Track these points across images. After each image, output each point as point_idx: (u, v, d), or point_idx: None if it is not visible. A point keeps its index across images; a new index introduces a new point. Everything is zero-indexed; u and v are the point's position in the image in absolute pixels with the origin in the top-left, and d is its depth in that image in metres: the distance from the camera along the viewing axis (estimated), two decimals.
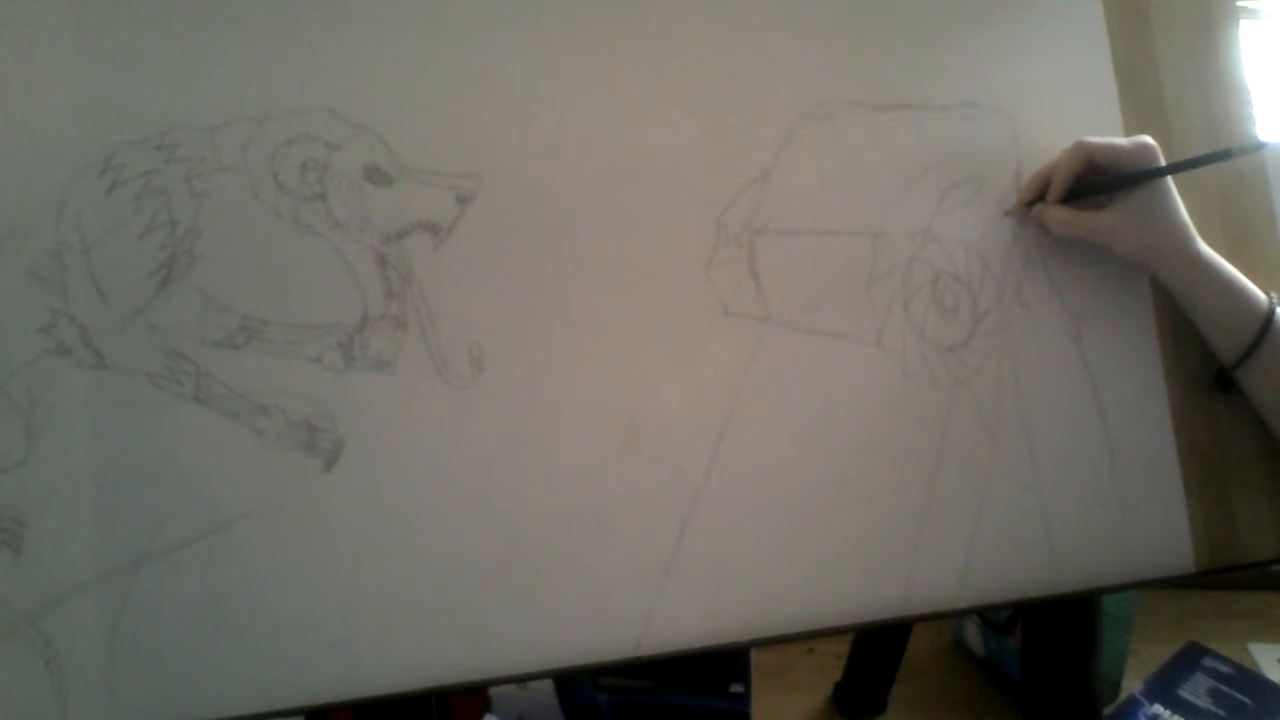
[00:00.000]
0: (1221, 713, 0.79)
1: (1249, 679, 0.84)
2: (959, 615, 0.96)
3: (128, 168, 0.48)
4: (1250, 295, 0.54)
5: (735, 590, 0.52)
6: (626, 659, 0.50)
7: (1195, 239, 0.54)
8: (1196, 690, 0.82)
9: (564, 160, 0.52)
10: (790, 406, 0.53)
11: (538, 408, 0.50)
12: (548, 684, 0.84)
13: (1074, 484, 0.56)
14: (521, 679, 0.51)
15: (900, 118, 0.56)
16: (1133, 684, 0.86)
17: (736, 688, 0.83)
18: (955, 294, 0.56)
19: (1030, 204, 0.57)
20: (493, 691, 0.83)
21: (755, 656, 0.85)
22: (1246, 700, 0.80)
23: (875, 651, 0.90)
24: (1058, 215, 0.55)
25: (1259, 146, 0.55)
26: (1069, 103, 0.59)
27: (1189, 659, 0.86)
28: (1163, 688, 0.83)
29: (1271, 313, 0.54)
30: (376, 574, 0.48)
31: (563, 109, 0.52)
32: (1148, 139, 0.54)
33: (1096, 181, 0.54)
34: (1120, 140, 0.54)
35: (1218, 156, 0.53)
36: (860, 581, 0.53)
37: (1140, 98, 0.60)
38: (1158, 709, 0.80)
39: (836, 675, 0.93)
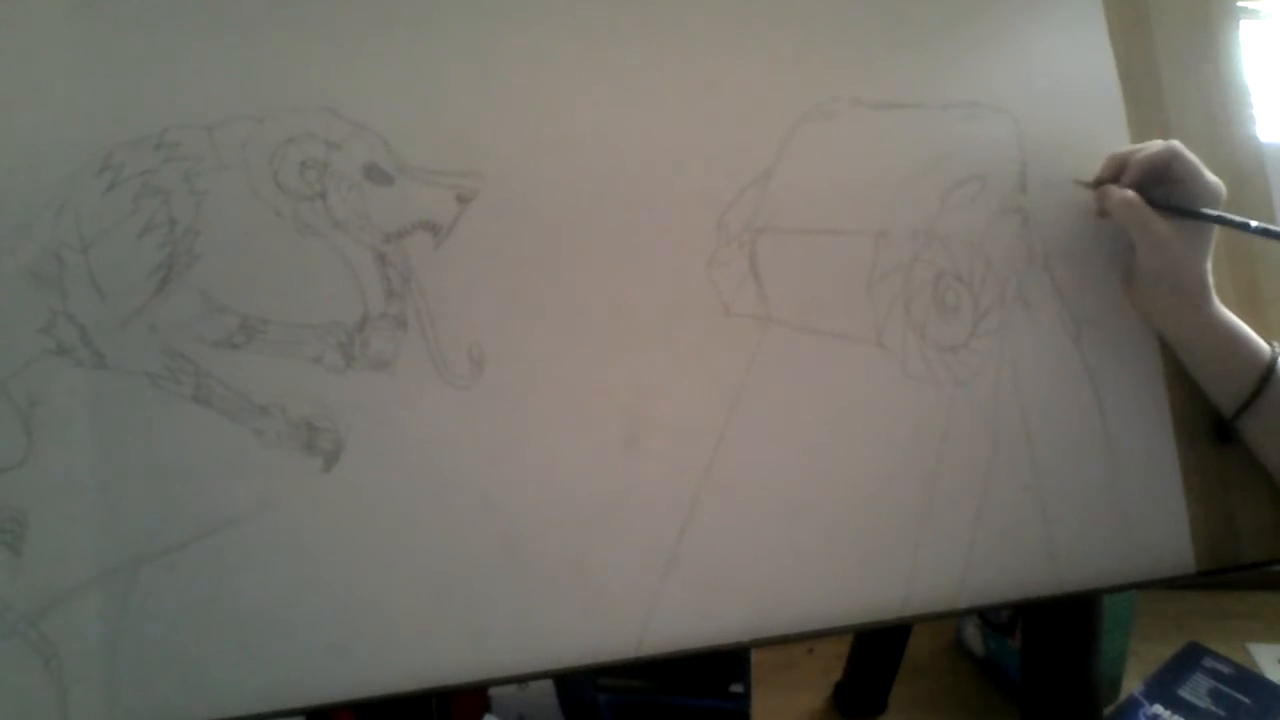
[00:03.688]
0: (1221, 713, 0.79)
1: (1249, 679, 0.84)
2: (959, 615, 0.96)
3: (126, 166, 0.48)
4: (1251, 344, 0.54)
5: (735, 590, 0.52)
6: (626, 659, 0.50)
7: (1213, 294, 0.54)
8: (1196, 690, 0.82)
9: (565, 159, 0.52)
10: (791, 406, 0.53)
11: (538, 407, 0.50)
12: (548, 684, 0.84)
13: (1074, 484, 0.56)
14: (521, 679, 0.51)
15: (902, 117, 0.56)
16: (1133, 684, 0.86)
17: (736, 688, 0.83)
18: (957, 293, 0.56)
19: (1099, 184, 0.56)
20: (493, 691, 0.83)
21: (755, 656, 0.85)
22: (1246, 700, 0.80)
23: (875, 651, 0.90)
24: (1122, 196, 0.54)
25: None
26: (1071, 102, 0.59)
27: (1189, 659, 0.86)
28: (1163, 688, 0.83)
29: (1273, 362, 0.53)
30: (376, 574, 0.48)
31: (563, 108, 0.52)
32: (1223, 186, 0.53)
33: (1157, 193, 0.54)
34: (1205, 168, 0.53)
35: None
36: (860, 582, 0.53)
37: (1141, 97, 0.60)
38: (1158, 709, 0.80)
39: (836, 675, 0.93)
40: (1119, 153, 0.56)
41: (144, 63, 0.48)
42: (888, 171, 0.56)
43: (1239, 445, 0.57)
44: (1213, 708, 0.80)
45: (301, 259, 0.49)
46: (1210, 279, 0.54)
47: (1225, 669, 0.84)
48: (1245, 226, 0.53)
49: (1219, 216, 0.53)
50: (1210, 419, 0.58)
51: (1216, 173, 0.54)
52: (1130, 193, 0.54)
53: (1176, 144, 0.53)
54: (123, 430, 0.46)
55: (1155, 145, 0.54)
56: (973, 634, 0.96)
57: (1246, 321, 0.55)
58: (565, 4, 0.53)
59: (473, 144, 0.51)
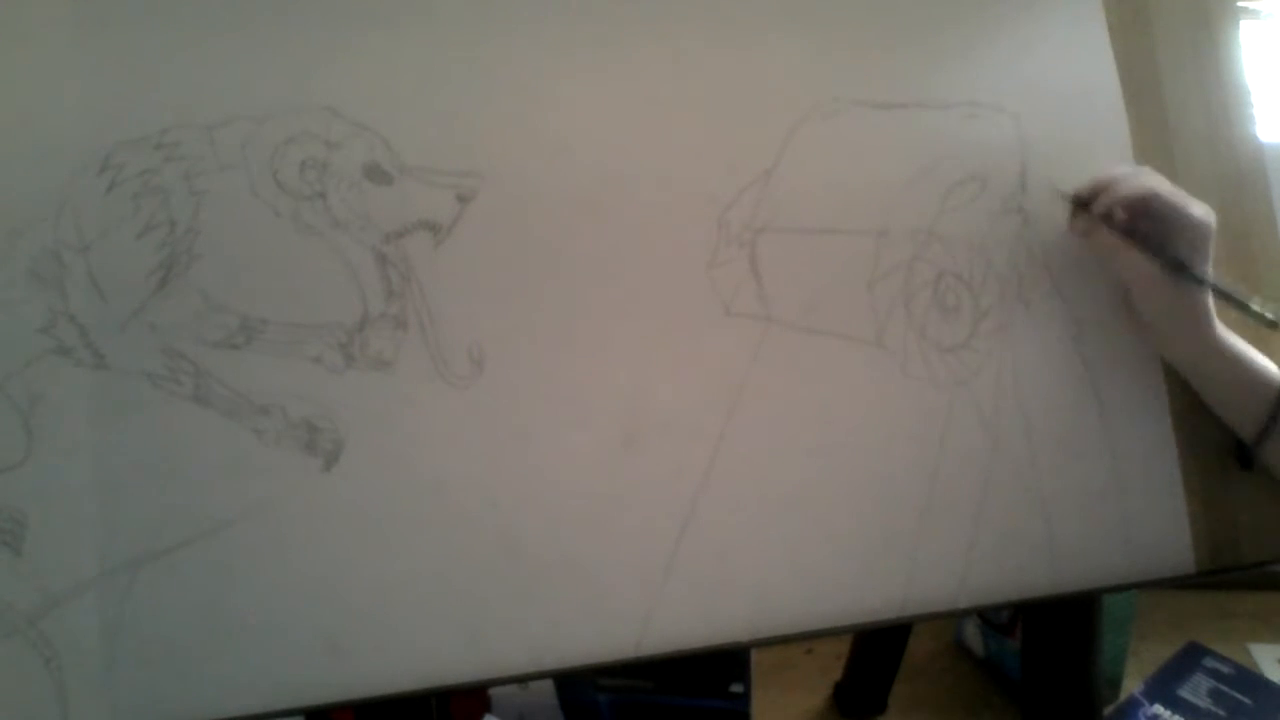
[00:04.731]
0: (1221, 713, 0.79)
1: (1249, 679, 0.83)
2: (959, 615, 0.96)
3: (126, 166, 0.47)
4: (1261, 371, 0.53)
5: (735, 590, 0.52)
6: (626, 659, 0.50)
7: (1214, 321, 0.53)
8: (1196, 690, 0.82)
9: (565, 159, 0.52)
10: (791, 406, 0.53)
11: (538, 407, 0.50)
12: (548, 684, 0.84)
13: (1074, 484, 0.56)
14: (521, 679, 0.51)
15: (903, 116, 0.56)
16: (1133, 684, 0.86)
17: (736, 688, 0.82)
18: (957, 293, 0.56)
19: (1077, 202, 0.55)
20: (493, 691, 0.83)
21: (755, 656, 0.85)
22: (1246, 700, 0.80)
23: (875, 651, 0.90)
24: (1102, 242, 0.53)
25: None
26: (1071, 101, 0.59)
27: (1189, 659, 0.86)
28: (1163, 688, 0.83)
29: None
30: (377, 574, 0.48)
31: (563, 108, 0.52)
32: (1212, 215, 0.51)
33: (1143, 225, 0.52)
34: (1189, 203, 0.51)
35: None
36: (860, 581, 0.53)
37: (1141, 97, 0.60)
38: (1158, 709, 0.80)
39: (836, 675, 0.92)
40: (1105, 176, 0.54)
41: (144, 63, 0.48)
42: (888, 171, 0.56)
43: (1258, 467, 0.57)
44: (1213, 708, 0.80)
45: (301, 259, 0.49)
46: (1211, 306, 0.53)
47: (1225, 669, 0.84)
48: (1202, 282, 0.52)
49: (1194, 276, 0.51)
50: (1212, 421, 0.58)
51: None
52: (1111, 238, 0.52)
53: (1154, 186, 0.51)
54: (123, 430, 0.46)
55: (1134, 183, 0.52)
56: (973, 634, 0.96)
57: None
58: (565, 4, 0.53)
59: (473, 144, 0.51)
